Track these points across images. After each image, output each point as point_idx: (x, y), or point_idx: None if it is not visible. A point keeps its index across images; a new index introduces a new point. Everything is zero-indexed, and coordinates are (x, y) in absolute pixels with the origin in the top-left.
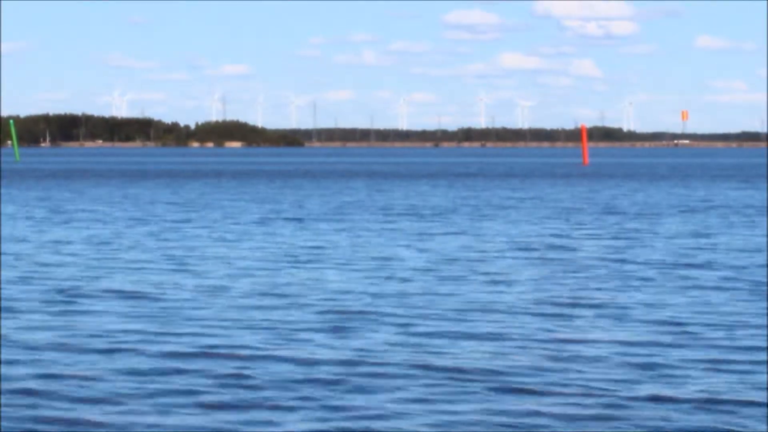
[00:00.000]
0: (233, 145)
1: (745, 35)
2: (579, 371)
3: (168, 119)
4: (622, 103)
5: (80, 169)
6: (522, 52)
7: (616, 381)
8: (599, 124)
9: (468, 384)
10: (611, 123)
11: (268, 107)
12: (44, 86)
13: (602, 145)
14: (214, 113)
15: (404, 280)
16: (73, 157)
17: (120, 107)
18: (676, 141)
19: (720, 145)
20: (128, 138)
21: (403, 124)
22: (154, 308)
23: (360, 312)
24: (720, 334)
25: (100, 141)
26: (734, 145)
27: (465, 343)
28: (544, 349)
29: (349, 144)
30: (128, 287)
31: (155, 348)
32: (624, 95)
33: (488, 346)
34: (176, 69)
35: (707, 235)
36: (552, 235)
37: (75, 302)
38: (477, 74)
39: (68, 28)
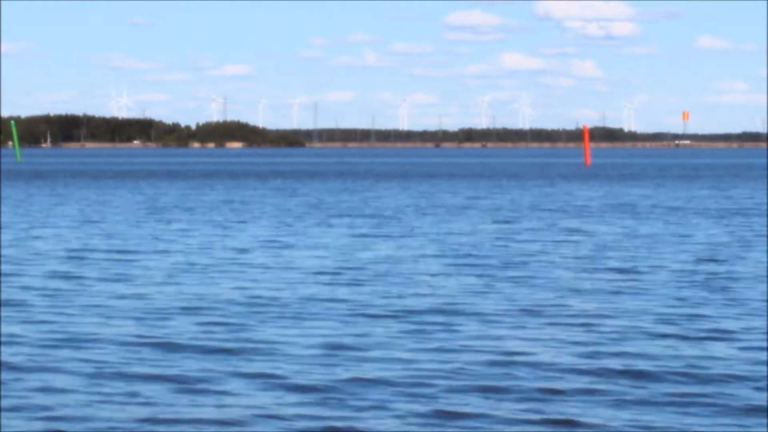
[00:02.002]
0: (234, 145)
1: (745, 36)
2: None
3: (169, 120)
4: (623, 104)
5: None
6: (523, 52)
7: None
8: (600, 124)
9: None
10: (612, 123)
11: (268, 108)
12: (45, 87)
13: (603, 145)
14: (215, 114)
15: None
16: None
17: (121, 108)
18: (677, 141)
19: (721, 145)
20: (129, 139)
21: (404, 125)
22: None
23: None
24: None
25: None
26: (735, 145)
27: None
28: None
29: (350, 144)
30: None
31: None
32: (625, 96)
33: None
34: (177, 69)
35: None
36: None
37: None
38: (478, 75)
39: (69, 29)
